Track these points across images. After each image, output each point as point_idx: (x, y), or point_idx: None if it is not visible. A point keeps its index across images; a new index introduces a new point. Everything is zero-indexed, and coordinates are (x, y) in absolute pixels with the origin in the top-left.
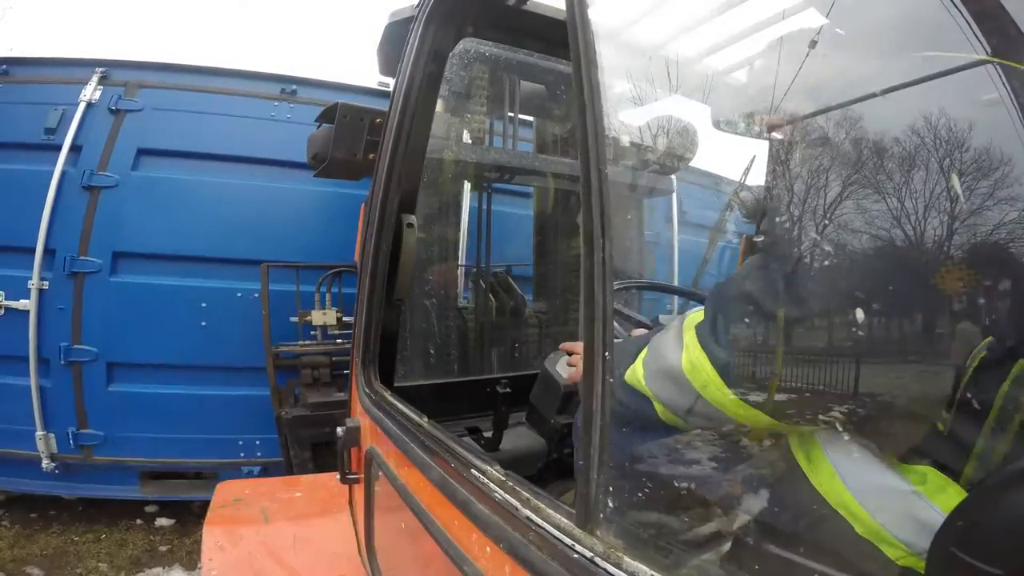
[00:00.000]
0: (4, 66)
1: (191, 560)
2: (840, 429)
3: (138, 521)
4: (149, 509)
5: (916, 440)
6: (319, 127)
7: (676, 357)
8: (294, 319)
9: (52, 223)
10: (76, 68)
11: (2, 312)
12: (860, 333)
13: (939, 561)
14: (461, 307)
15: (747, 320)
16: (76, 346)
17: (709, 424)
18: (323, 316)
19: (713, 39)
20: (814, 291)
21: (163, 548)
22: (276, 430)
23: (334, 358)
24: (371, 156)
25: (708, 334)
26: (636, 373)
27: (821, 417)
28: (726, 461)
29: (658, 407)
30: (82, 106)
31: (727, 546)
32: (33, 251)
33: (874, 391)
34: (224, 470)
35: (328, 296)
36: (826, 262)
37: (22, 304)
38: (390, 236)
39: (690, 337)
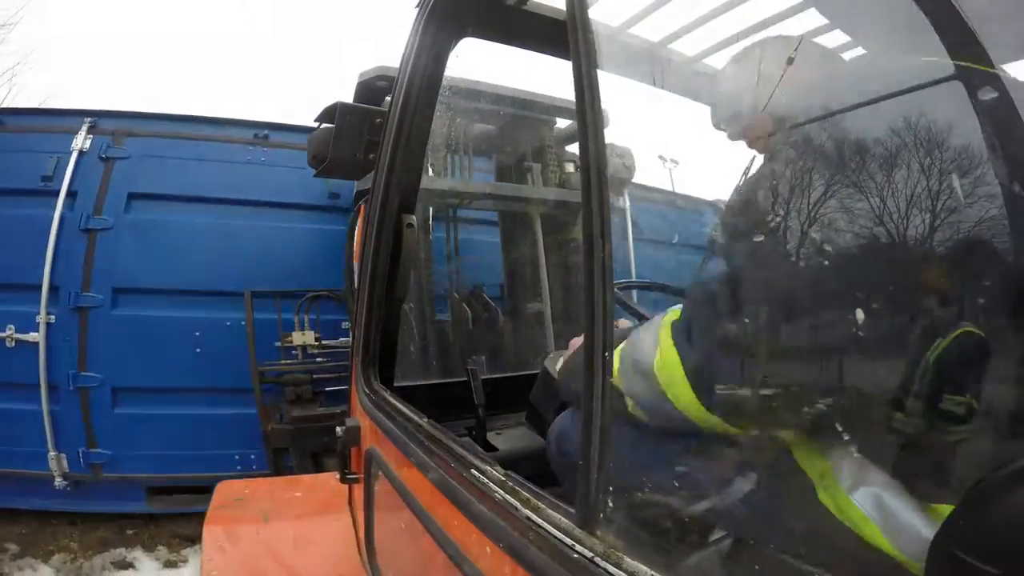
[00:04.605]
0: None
1: (152, 543)
2: (806, 438)
3: None
4: None
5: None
6: (319, 127)
7: (650, 354)
8: (278, 344)
9: (55, 262)
10: (67, 118)
11: (14, 344)
12: (843, 335)
13: (939, 561)
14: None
15: (720, 323)
16: (83, 373)
17: (668, 424)
18: (302, 336)
19: (707, 41)
20: (787, 294)
21: (130, 532)
22: (264, 444)
23: (314, 375)
24: (371, 156)
25: (682, 335)
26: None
27: (781, 429)
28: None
29: (629, 402)
30: (75, 154)
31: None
32: (40, 288)
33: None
34: None
35: (306, 318)
36: (802, 264)
37: (32, 337)
38: (390, 236)
39: (664, 335)
